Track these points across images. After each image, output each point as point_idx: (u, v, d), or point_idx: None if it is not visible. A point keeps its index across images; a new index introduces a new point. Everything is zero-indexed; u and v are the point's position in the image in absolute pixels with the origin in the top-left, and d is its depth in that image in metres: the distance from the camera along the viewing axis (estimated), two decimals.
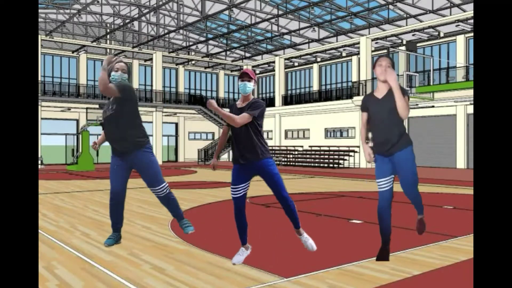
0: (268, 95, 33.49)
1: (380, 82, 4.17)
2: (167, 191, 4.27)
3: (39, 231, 5.69)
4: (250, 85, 3.97)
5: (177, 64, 31.35)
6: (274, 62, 29.43)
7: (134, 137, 4.18)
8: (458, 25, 20.48)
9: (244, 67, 31.37)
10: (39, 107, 23.23)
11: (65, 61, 27.49)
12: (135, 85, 29.25)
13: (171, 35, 28.32)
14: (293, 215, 4.16)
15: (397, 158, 4.06)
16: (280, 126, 28.76)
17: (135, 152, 4.17)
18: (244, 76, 3.97)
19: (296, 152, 25.36)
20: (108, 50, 28.14)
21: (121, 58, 4.21)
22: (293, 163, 24.25)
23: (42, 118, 24.00)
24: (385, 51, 23.99)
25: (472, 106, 20.00)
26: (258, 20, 23.33)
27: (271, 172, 4.00)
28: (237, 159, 4.01)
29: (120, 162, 4.19)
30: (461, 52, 21.43)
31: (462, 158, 20.79)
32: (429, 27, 21.24)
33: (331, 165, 21.89)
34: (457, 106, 20.80)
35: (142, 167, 4.18)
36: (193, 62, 30.68)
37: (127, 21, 23.60)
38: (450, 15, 19.66)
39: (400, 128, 4.05)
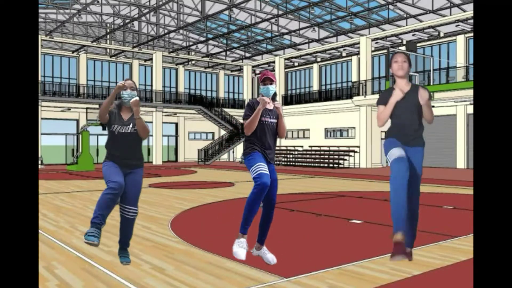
0: None
1: (398, 78, 4.16)
2: (136, 216, 4.22)
3: (39, 231, 5.69)
4: (273, 88, 4.08)
5: (177, 64, 31.34)
6: (274, 62, 29.42)
7: (139, 158, 4.24)
8: (458, 25, 20.48)
9: (244, 67, 31.36)
10: (39, 107, 23.22)
11: (65, 61, 27.48)
12: None
13: (171, 35, 28.31)
14: (268, 225, 4.09)
15: (412, 152, 4.06)
16: None
17: (134, 170, 4.17)
18: (267, 80, 4.06)
19: (296, 152, 25.35)
20: (108, 50, 28.15)
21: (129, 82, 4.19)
22: (293, 163, 24.25)
23: (42, 118, 24.00)
24: (385, 51, 23.99)
25: (472, 106, 19.99)
26: (258, 20, 23.32)
27: (274, 176, 4.05)
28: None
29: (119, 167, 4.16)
30: (461, 52, 21.43)
31: (462, 158, 20.79)
32: (429, 27, 21.23)
33: (331, 165, 21.89)
34: (457, 106, 20.80)
35: (133, 184, 4.15)
36: (193, 62, 30.68)
37: (127, 21, 23.60)
38: (450, 15, 19.66)
39: (421, 125, 4.08)
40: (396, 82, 4.20)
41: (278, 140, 29.09)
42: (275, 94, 4.19)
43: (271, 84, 4.05)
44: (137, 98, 4.12)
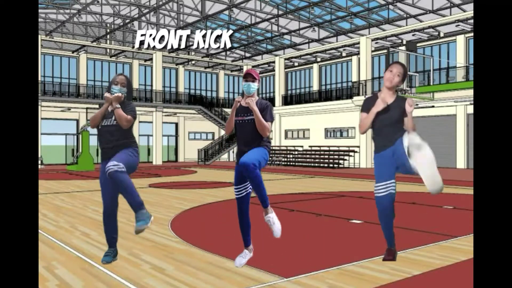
0: (268, 95, 33.48)
1: (384, 87, 4.15)
2: (115, 169, 3.76)
3: (39, 231, 5.69)
4: (254, 86, 3.99)
5: (177, 64, 31.34)
6: (274, 62, 29.42)
7: (124, 143, 4.14)
8: (458, 25, 20.47)
9: (244, 67, 31.37)
10: (39, 107, 23.22)
11: (65, 61, 27.48)
12: (135, 85, 29.26)
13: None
14: (256, 186, 3.78)
15: (396, 145, 4.03)
16: (280, 126, 28.77)
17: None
18: (248, 76, 3.98)
19: (296, 152, 25.35)
20: (108, 50, 28.15)
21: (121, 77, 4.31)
22: (293, 163, 24.24)
23: (42, 118, 24.00)
24: (385, 51, 23.99)
25: (472, 106, 20.00)
26: (258, 20, 23.32)
27: (249, 155, 3.86)
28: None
29: None
30: (461, 52, 21.43)
31: (462, 158, 20.79)
32: (429, 27, 21.23)
33: (331, 165, 21.89)
34: (457, 106, 20.79)
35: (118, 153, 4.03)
36: (193, 62, 30.67)
37: (127, 21, 23.60)
38: (450, 15, 19.65)
39: (402, 133, 4.12)
40: (382, 91, 4.21)
41: (279, 139, 29.05)
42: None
43: (253, 81, 3.97)
44: (120, 94, 4.18)
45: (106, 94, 4.21)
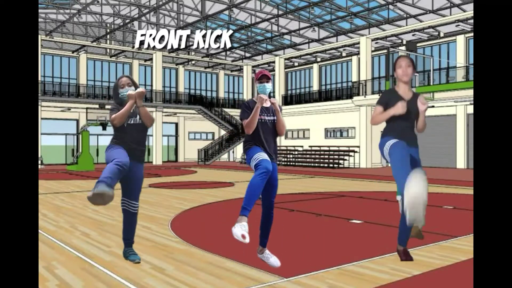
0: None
1: (402, 83, 4.17)
2: (137, 210, 4.31)
3: (39, 231, 5.69)
4: (269, 86, 4.05)
5: (177, 64, 31.34)
6: (274, 62, 29.41)
7: (143, 151, 4.30)
8: (458, 25, 20.48)
9: (244, 67, 31.36)
10: (39, 107, 23.22)
11: (65, 61, 27.48)
12: None
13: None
14: (268, 226, 4.05)
15: (412, 151, 4.11)
16: None
17: (137, 164, 4.20)
18: (263, 77, 4.03)
19: (296, 152, 25.35)
20: (108, 50, 28.14)
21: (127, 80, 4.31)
22: (293, 163, 24.24)
23: (42, 118, 23.99)
24: (385, 51, 23.99)
25: (472, 106, 20.00)
26: (258, 20, 23.32)
27: (276, 176, 4.02)
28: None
29: None
30: (461, 52, 21.43)
31: (462, 158, 20.79)
32: (429, 27, 21.23)
33: (331, 165, 21.89)
34: (457, 106, 20.80)
35: (135, 179, 4.19)
36: (193, 62, 30.67)
37: (127, 21, 23.60)
38: (450, 15, 19.65)
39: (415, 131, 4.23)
40: (399, 86, 4.21)
41: (279, 139, 29.03)
42: (270, 93, 4.16)
43: (267, 82, 4.02)
44: (143, 89, 4.19)
45: (129, 92, 4.13)
